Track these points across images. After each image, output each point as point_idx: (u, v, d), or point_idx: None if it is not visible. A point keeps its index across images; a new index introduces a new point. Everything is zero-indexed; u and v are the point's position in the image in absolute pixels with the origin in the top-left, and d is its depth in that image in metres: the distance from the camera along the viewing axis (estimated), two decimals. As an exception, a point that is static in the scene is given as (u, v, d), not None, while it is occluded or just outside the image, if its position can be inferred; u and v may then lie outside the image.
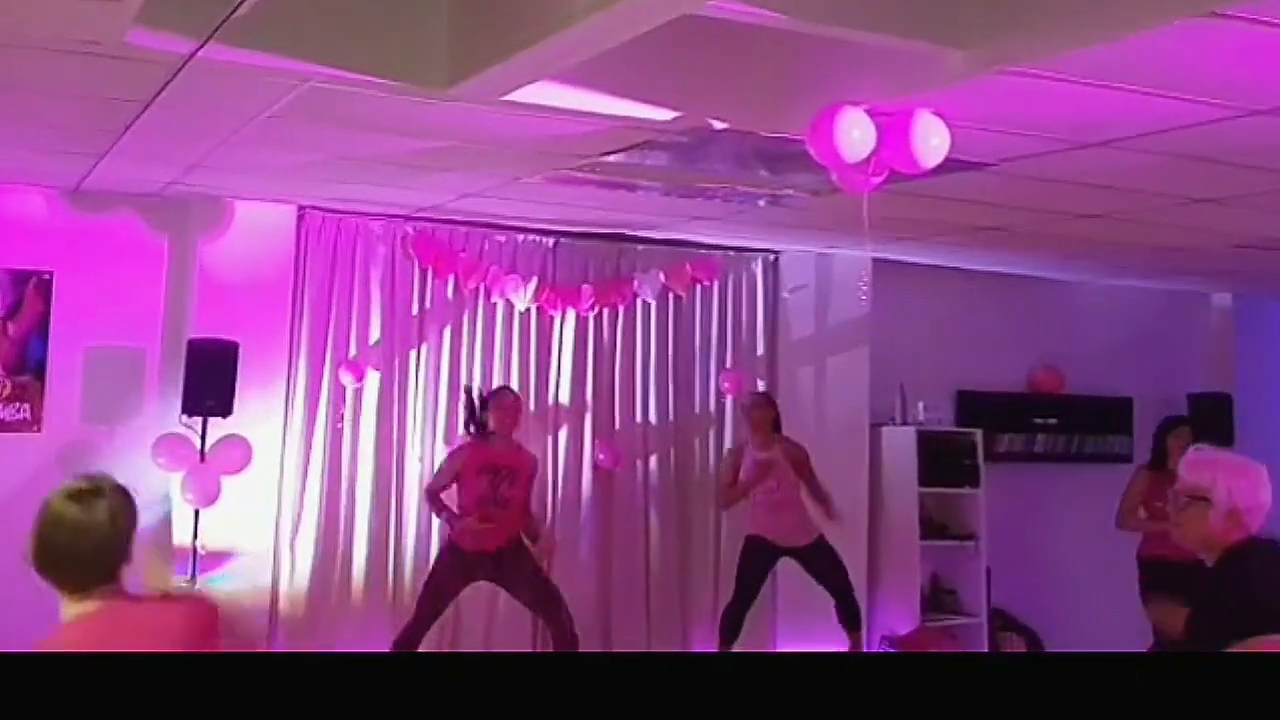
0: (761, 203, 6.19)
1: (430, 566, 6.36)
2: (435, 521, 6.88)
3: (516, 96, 4.01)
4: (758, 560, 6.83)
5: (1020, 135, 4.49)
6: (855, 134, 4.02)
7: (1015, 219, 6.34)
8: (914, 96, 3.95)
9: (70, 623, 2.43)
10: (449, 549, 6.17)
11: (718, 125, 4.53)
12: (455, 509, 6.12)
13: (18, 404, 6.15)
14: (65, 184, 6.10)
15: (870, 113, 4.03)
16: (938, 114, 4.04)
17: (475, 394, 6.45)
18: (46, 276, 6.22)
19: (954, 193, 5.61)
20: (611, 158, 5.13)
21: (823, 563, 6.78)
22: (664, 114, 4.37)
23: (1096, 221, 6.23)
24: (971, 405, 8.67)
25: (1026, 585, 8.67)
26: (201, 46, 3.64)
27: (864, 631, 6.95)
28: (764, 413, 6.90)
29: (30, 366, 6.18)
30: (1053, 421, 9.03)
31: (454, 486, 6.19)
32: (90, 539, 2.41)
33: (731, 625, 6.79)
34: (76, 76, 4.06)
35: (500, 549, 6.03)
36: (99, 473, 2.52)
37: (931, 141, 4.08)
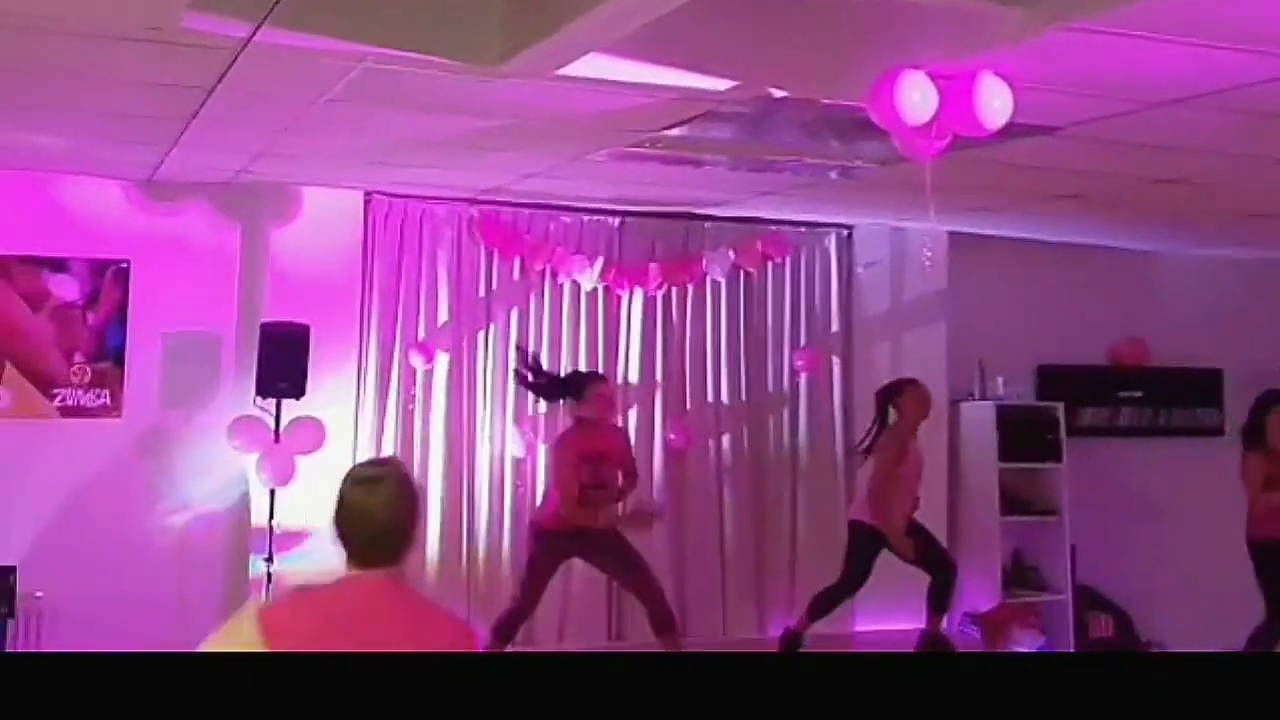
0: (833, 174, 6.10)
1: (526, 556, 6.21)
2: (507, 500, 6.93)
3: (570, 70, 3.98)
4: (871, 548, 6.57)
5: (1086, 96, 4.37)
6: (916, 97, 3.95)
7: (1090, 186, 6.18)
8: (974, 57, 3.86)
9: (343, 579, 2.59)
10: (537, 535, 6.09)
11: (777, 94, 4.47)
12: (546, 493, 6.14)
13: (98, 390, 6.28)
14: (139, 175, 6.21)
15: (931, 75, 3.95)
16: (999, 75, 3.96)
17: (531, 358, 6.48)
18: (124, 266, 6.34)
19: (1024, 159, 5.48)
20: (674, 131, 5.09)
21: (928, 544, 6.65)
22: (721, 84, 4.32)
23: (1175, 187, 6.04)
24: (1053, 379, 8.51)
25: (1114, 562, 8.49)
26: (257, 29, 3.67)
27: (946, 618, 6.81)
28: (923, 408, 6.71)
29: (109, 353, 6.30)
30: (1138, 394, 8.84)
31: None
32: (370, 523, 2.56)
33: (827, 606, 6.59)
34: (140, 64, 4.13)
35: (591, 526, 5.93)
36: (389, 458, 2.73)
37: (994, 103, 3.99)
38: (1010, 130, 4.92)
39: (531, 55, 3.82)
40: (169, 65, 4.11)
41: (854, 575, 6.58)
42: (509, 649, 5.95)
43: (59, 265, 6.24)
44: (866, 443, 6.69)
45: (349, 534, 2.58)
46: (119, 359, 6.31)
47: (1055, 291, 8.59)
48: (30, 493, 6.10)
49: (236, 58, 3.95)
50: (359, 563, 2.58)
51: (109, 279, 6.30)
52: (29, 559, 5.93)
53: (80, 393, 6.23)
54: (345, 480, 2.65)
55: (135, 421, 6.33)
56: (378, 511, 2.56)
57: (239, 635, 2.48)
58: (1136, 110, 4.53)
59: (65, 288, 6.24)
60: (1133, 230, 7.89)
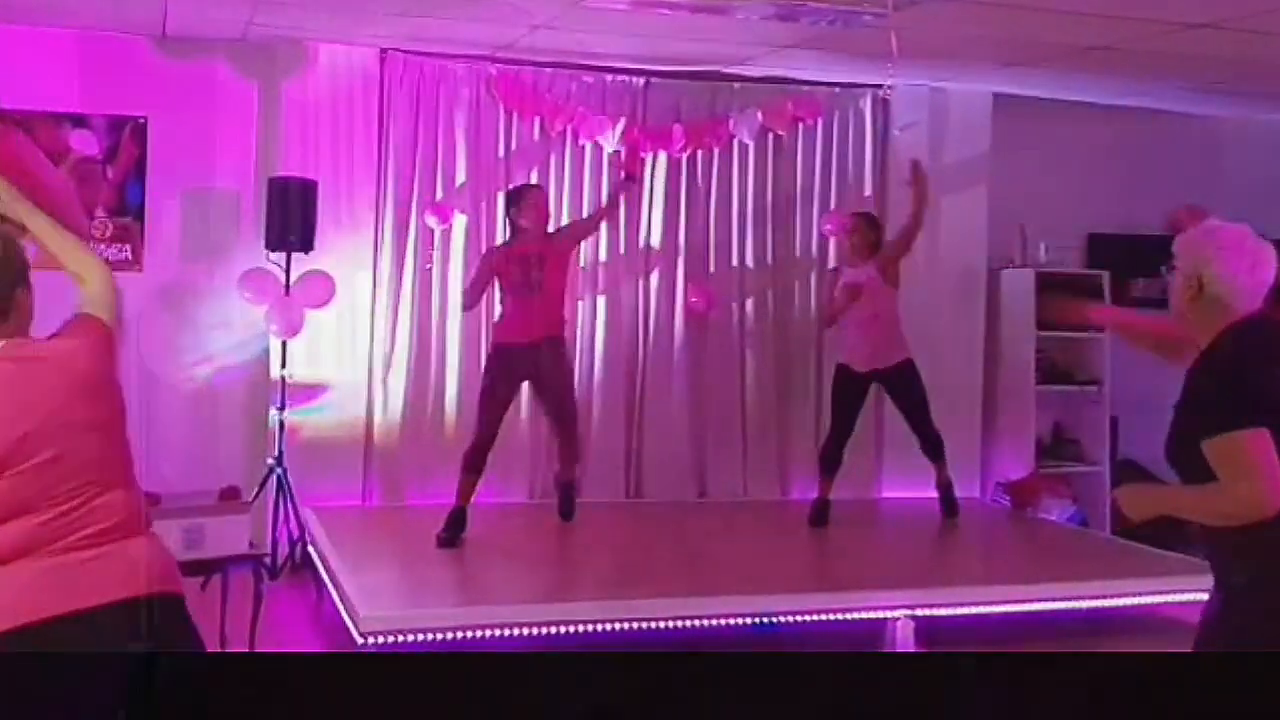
0: (868, 17, 5.88)
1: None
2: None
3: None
4: (846, 389, 6.66)
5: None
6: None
7: (1120, 34, 5.93)
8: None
9: None
10: (493, 350, 6.08)
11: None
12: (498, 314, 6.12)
13: (119, 245, 6.44)
14: (152, 30, 6.27)
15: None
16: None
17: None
18: (141, 121, 6.45)
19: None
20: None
21: (906, 389, 6.59)
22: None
23: (1210, 34, 5.76)
24: (1105, 248, 8.27)
25: (1162, 436, 8.27)
26: None
27: (947, 462, 6.74)
28: (864, 237, 6.69)
29: (130, 209, 6.45)
30: (1196, 266, 8.54)
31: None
32: None
33: (828, 460, 6.67)
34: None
35: (539, 344, 5.86)
36: None
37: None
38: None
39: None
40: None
41: (835, 419, 6.72)
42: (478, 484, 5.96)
43: (79, 121, 6.38)
44: None
45: None
46: (139, 214, 6.46)
47: (1111, 158, 8.34)
48: (55, 342, 6.30)
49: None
50: None
51: (127, 135, 6.43)
52: (54, 405, 6.16)
53: (102, 247, 6.39)
54: None
55: (156, 276, 6.49)
56: None
57: None
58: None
59: (85, 143, 6.38)
60: (1187, 92, 7.54)
